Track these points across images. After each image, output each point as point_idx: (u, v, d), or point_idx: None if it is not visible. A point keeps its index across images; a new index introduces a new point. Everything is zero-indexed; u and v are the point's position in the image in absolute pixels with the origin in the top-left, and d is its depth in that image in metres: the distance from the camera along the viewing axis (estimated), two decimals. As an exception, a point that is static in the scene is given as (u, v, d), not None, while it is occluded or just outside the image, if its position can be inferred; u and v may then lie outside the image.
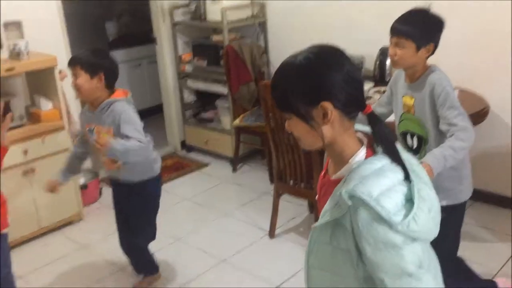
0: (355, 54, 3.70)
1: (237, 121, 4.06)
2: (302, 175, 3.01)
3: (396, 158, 1.13)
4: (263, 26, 4.35)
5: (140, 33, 5.55)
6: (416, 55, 1.97)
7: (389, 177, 1.10)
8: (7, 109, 1.56)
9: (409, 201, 1.09)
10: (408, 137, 2.15)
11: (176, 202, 3.82)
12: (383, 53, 3.45)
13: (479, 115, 2.91)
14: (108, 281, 2.93)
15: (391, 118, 2.28)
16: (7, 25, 3.28)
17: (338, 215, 1.11)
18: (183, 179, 4.21)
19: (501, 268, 2.76)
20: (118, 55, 5.21)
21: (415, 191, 1.09)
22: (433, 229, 1.13)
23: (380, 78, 3.54)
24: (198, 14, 4.29)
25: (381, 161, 1.13)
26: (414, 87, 2.06)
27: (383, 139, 1.15)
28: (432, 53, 2.01)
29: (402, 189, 1.10)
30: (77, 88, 2.32)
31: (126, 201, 2.60)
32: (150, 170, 2.54)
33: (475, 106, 2.97)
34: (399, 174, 1.11)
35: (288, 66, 1.15)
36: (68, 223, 3.50)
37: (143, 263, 2.82)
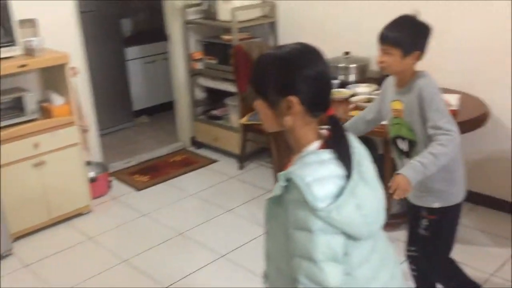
0: (361, 55, 3.73)
1: (243, 119, 4.13)
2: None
3: (342, 156, 1.22)
4: (273, 26, 4.41)
5: (155, 30, 5.68)
6: (403, 62, 2.01)
7: (328, 168, 1.20)
8: None
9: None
10: (399, 141, 2.19)
11: (183, 197, 3.92)
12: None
13: (479, 119, 2.93)
14: (112, 273, 3.04)
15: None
16: (23, 22, 3.41)
17: (278, 192, 1.22)
18: (191, 175, 4.30)
19: (494, 272, 2.79)
20: (133, 51, 5.38)
21: (347, 187, 1.19)
22: (361, 226, 1.21)
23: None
24: (210, 13, 4.37)
25: (328, 155, 1.23)
26: (402, 92, 2.10)
27: (336, 138, 1.26)
28: (420, 59, 2.04)
29: (338, 182, 1.19)
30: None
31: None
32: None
33: (476, 110, 2.99)
34: (340, 170, 1.21)
35: (270, 55, 1.28)
36: (77, 214, 3.62)
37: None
